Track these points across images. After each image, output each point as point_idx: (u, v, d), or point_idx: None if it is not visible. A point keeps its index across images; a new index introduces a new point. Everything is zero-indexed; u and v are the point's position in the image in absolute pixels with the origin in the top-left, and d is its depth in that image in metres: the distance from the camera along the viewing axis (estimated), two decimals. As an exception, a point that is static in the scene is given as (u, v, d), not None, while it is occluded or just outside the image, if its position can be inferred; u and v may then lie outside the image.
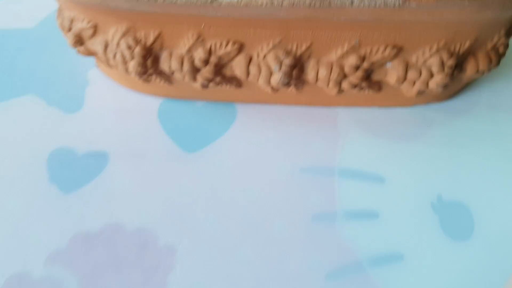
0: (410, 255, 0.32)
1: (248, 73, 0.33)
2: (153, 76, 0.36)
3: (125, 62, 0.34)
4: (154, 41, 0.33)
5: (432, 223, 0.33)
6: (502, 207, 0.33)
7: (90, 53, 0.36)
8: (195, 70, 0.33)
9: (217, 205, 0.35)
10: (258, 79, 0.34)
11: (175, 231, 0.34)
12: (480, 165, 0.35)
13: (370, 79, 0.34)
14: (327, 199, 0.35)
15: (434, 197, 0.34)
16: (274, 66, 0.32)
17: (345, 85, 0.34)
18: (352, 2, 0.29)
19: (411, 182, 0.35)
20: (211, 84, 0.36)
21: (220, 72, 0.34)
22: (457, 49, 0.32)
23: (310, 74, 0.33)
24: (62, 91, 0.41)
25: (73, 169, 0.37)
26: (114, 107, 0.40)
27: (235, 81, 0.35)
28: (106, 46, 0.34)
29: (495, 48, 0.33)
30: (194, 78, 0.34)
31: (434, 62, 0.32)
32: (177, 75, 0.34)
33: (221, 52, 0.33)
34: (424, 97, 0.37)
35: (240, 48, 0.33)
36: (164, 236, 0.33)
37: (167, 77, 0.36)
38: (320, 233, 0.33)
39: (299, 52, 0.32)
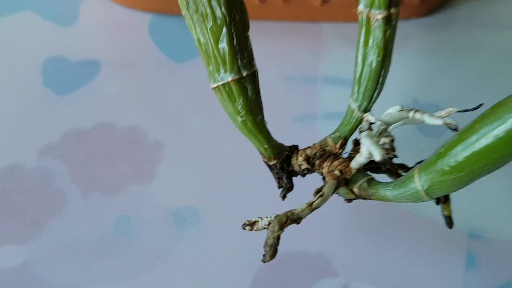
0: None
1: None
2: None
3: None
4: None
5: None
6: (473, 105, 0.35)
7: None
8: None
9: (203, 108, 0.36)
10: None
11: (164, 129, 0.35)
12: (454, 72, 0.37)
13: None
14: (309, 103, 0.36)
15: (410, 100, 0.36)
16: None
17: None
18: None
19: (388, 87, 0.36)
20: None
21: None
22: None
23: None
24: (57, 7, 0.42)
25: (67, 75, 0.38)
26: (106, 21, 0.41)
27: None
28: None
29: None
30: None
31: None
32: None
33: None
34: (404, 11, 0.39)
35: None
36: (154, 133, 0.35)
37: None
38: (300, 131, 0.35)
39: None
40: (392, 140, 0.24)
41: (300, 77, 0.38)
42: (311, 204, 0.23)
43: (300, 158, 0.26)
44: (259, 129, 0.25)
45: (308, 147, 0.27)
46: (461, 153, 0.20)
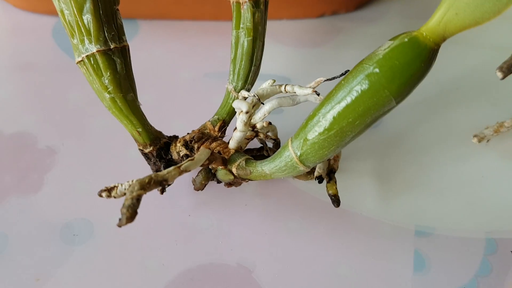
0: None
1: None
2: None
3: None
4: None
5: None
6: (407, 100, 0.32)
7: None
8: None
9: (105, 110, 0.31)
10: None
11: (59, 133, 0.30)
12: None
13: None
14: (230, 100, 0.32)
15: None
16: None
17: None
18: None
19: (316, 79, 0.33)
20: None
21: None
22: None
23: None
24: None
25: (-50, 81, 0.33)
26: (7, 26, 0.37)
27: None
28: None
29: None
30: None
31: None
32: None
33: None
34: (331, 4, 0.36)
35: None
36: (46, 139, 0.30)
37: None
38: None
39: None
40: (270, 123, 0.25)
41: (218, 73, 0.34)
42: (179, 166, 0.20)
43: (179, 144, 0.24)
44: (131, 109, 0.23)
45: (188, 133, 0.25)
46: (329, 111, 0.19)
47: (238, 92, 0.25)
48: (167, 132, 0.26)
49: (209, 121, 0.26)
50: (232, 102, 0.25)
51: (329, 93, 0.20)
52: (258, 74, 0.26)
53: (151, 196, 0.26)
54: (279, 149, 0.22)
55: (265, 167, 0.23)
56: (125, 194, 0.19)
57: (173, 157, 0.25)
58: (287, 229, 0.26)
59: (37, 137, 0.30)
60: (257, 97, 0.23)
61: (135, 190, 0.18)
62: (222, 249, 0.25)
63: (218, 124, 0.25)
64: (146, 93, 0.32)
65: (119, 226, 0.18)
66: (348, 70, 0.20)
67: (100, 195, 0.20)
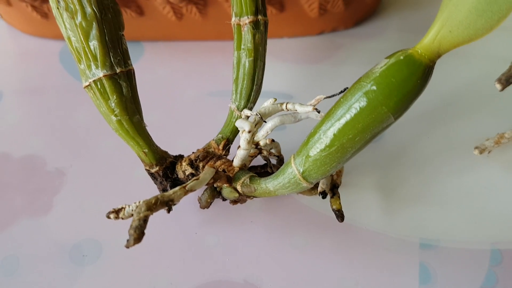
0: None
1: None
2: (48, 5, 0.34)
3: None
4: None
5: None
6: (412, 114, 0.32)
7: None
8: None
9: (111, 132, 0.32)
10: (154, -5, 0.33)
11: (67, 155, 0.31)
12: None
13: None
14: (234, 118, 0.33)
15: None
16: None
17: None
18: None
19: (316, 95, 0.33)
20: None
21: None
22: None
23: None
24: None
25: (-39, 107, 0.34)
26: (15, 52, 0.38)
27: (134, 5, 0.34)
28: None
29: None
30: None
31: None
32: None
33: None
34: (330, 22, 0.37)
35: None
36: (54, 161, 0.30)
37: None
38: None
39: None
40: (273, 140, 0.26)
41: (222, 92, 0.34)
42: (185, 186, 0.21)
43: (184, 164, 0.25)
44: (137, 130, 0.24)
45: (193, 152, 0.26)
46: (329, 128, 0.20)
47: (241, 111, 0.25)
48: (173, 150, 0.27)
49: (213, 140, 0.26)
50: (235, 120, 0.25)
51: (329, 110, 0.21)
52: (260, 93, 0.26)
53: (158, 215, 0.27)
54: (282, 166, 0.23)
55: (269, 184, 0.23)
56: (132, 215, 0.20)
57: (179, 176, 0.25)
58: (293, 244, 0.26)
59: (46, 160, 0.31)
60: (259, 115, 0.23)
61: (142, 212, 0.19)
62: (229, 266, 0.26)
63: (222, 143, 0.26)
64: (152, 113, 0.33)
65: (127, 247, 0.18)
66: (347, 88, 0.20)
67: (108, 217, 0.20)
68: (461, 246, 0.26)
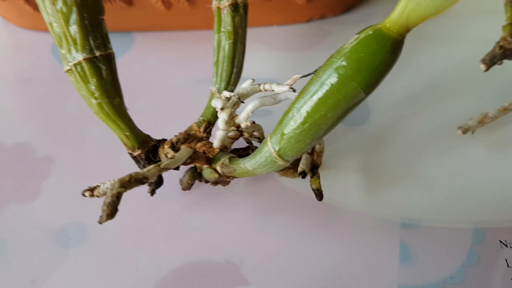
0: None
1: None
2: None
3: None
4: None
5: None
6: (397, 97, 0.32)
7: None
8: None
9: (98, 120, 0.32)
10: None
11: (56, 143, 0.31)
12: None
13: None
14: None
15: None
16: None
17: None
18: None
19: (305, 83, 0.33)
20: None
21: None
22: None
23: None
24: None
25: (-45, 98, 0.34)
26: (8, 44, 0.38)
27: (123, -5, 0.35)
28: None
29: None
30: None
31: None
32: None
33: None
34: (318, 9, 0.37)
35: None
36: (44, 148, 0.31)
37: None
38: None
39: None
40: (253, 122, 0.26)
41: (210, 79, 0.34)
42: (159, 164, 0.21)
43: (166, 147, 0.25)
44: (118, 113, 0.24)
45: (175, 136, 0.26)
46: (302, 105, 0.20)
47: (221, 93, 0.25)
48: (162, 136, 0.27)
49: (195, 123, 0.26)
50: None
51: (303, 88, 0.21)
52: (240, 76, 0.26)
53: (143, 198, 0.27)
54: (260, 146, 0.23)
55: (247, 163, 0.23)
56: (106, 190, 0.20)
57: (161, 159, 0.25)
58: (275, 225, 0.26)
59: (36, 147, 0.31)
60: (237, 96, 0.24)
61: (115, 188, 0.19)
62: (211, 247, 0.26)
63: (203, 125, 0.26)
64: (141, 101, 0.33)
65: (100, 223, 0.19)
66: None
67: (84, 195, 0.20)
68: (443, 225, 0.26)
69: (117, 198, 0.19)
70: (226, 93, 0.25)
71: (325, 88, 0.19)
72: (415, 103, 0.31)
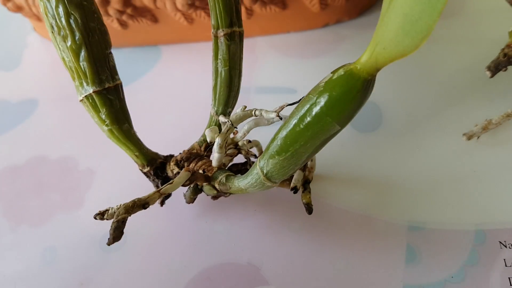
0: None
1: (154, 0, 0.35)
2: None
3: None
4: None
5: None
6: (407, 102, 0.34)
7: (17, 7, 0.39)
8: (105, 3, 0.35)
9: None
10: (165, 5, 0.35)
11: (96, 156, 0.35)
12: (389, 67, 0.36)
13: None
14: (242, 114, 0.36)
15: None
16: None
17: (251, 5, 0.35)
18: None
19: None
20: (129, 22, 0.38)
21: (130, 3, 0.36)
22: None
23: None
24: (2, 54, 0.43)
25: (5, 116, 0.38)
26: (48, 61, 0.42)
27: (149, 15, 0.37)
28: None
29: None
30: (106, 12, 0.36)
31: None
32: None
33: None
34: (333, 14, 0.38)
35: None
36: (86, 161, 0.35)
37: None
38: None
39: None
40: (249, 141, 0.28)
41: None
42: (159, 190, 0.24)
43: (172, 164, 0.28)
44: (127, 137, 0.27)
45: (180, 153, 0.28)
46: (284, 136, 0.22)
47: (219, 115, 0.28)
48: (189, 144, 0.30)
49: (196, 142, 0.29)
50: (215, 124, 0.28)
51: (286, 119, 0.22)
52: (237, 98, 0.29)
53: (174, 207, 0.30)
54: (251, 168, 0.25)
55: (241, 183, 0.26)
56: (114, 214, 0.23)
57: (168, 174, 0.28)
58: (291, 230, 0.29)
59: (78, 160, 0.35)
60: (230, 122, 0.26)
61: (120, 214, 0.22)
62: (235, 250, 0.29)
63: (204, 145, 0.28)
64: (170, 112, 0.36)
65: (108, 244, 0.22)
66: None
67: (95, 218, 0.24)
68: (447, 227, 0.28)
69: (122, 222, 0.23)
70: (222, 119, 0.27)
71: (304, 121, 0.21)
72: (422, 106, 0.33)
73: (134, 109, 0.37)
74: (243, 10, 0.37)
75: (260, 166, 0.24)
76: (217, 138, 0.26)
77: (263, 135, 0.29)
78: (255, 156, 0.29)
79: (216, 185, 0.27)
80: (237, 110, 0.26)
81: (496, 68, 0.30)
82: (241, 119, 0.26)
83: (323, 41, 0.38)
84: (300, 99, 0.22)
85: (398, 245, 0.28)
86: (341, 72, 0.20)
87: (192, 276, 0.28)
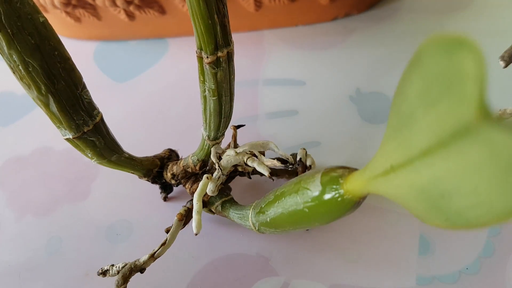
0: (326, 141, 0.32)
1: (162, -10, 0.35)
2: (79, 10, 0.38)
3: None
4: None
5: (350, 112, 0.33)
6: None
7: None
8: (113, -7, 0.35)
9: (141, 124, 0.35)
10: (173, -5, 0.35)
11: (102, 146, 0.34)
12: (398, 59, 0.35)
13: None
14: (250, 105, 0.35)
15: (353, 91, 0.34)
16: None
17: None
18: None
19: (330, 81, 0.35)
20: (136, 13, 0.38)
21: (137, -6, 0.36)
22: None
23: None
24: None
25: (11, 107, 0.38)
26: (54, 54, 0.42)
27: (157, 6, 0.37)
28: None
29: None
30: (114, 3, 0.36)
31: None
32: (99, 2, 0.36)
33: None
34: (342, 7, 0.38)
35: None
36: (91, 152, 0.34)
37: (93, 10, 0.38)
38: (243, 132, 0.33)
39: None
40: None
41: (242, 82, 0.36)
42: (153, 254, 0.25)
43: (169, 175, 0.28)
44: (117, 164, 0.27)
45: (176, 162, 0.29)
46: (273, 216, 0.23)
47: (212, 140, 0.26)
48: (195, 139, 0.29)
49: (190, 159, 0.28)
50: (208, 147, 0.27)
51: (275, 197, 0.22)
52: (229, 121, 0.27)
53: (181, 198, 0.30)
54: (245, 211, 0.25)
55: (235, 218, 0.26)
56: (116, 273, 0.24)
57: (166, 180, 0.29)
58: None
59: (84, 151, 0.34)
60: (221, 169, 0.26)
61: (120, 285, 0.23)
62: (243, 241, 0.28)
63: (198, 165, 0.28)
64: (177, 104, 0.36)
65: None
66: (299, 162, 0.26)
67: (99, 275, 0.24)
68: (461, 219, 0.27)
69: None
70: (214, 159, 0.26)
71: (291, 211, 0.21)
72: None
73: (140, 102, 0.37)
74: (251, 2, 0.36)
75: (253, 222, 0.24)
76: (210, 184, 0.26)
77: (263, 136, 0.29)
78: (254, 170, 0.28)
79: (213, 210, 0.27)
80: (229, 152, 0.26)
81: (510, 58, 0.29)
82: (232, 163, 0.26)
83: (331, 34, 0.38)
84: (293, 165, 0.24)
85: (411, 236, 0.27)
86: (331, 194, 0.19)
87: (200, 267, 0.28)
